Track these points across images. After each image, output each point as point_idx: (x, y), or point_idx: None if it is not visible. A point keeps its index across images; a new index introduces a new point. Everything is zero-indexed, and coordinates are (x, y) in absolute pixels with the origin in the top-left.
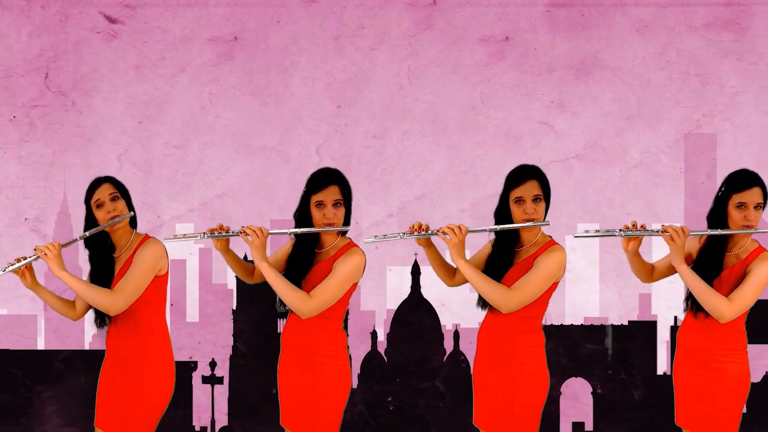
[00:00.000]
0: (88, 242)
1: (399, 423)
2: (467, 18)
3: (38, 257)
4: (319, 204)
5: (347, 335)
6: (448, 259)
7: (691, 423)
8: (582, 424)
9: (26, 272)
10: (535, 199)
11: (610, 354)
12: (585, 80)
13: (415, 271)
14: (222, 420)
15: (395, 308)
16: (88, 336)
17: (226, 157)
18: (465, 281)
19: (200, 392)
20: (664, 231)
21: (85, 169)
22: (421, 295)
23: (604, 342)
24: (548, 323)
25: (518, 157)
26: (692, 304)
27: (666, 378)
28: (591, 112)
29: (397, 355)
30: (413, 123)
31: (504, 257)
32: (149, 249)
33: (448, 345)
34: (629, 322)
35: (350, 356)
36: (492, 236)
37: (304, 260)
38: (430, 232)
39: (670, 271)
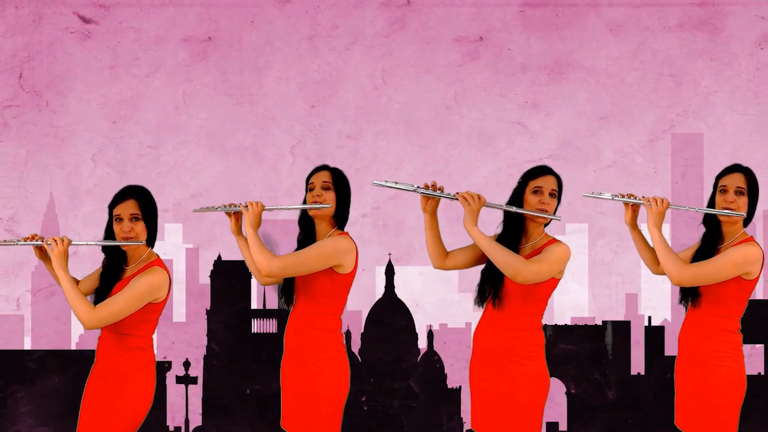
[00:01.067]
0: (106, 249)
1: (373, 423)
2: (441, 18)
3: (42, 245)
4: (311, 188)
5: (344, 335)
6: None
7: (689, 425)
8: (556, 424)
9: (36, 249)
10: (552, 194)
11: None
12: (559, 80)
13: (389, 272)
14: (196, 420)
15: (369, 308)
16: (75, 336)
17: (201, 157)
18: (455, 267)
19: (174, 392)
20: (645, 199)
21: (59, 169)
22: (395, 295)
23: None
24: None
25: (492, 158)
26: (685, 296)
27: (640, 378)
28: (565, 112)
29: (371, 355)
30: (387, 123)
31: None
32: (148, 278)
33: (422, 345)
34: (603, 322)
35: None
36: (499, 230)
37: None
38: (447, 193)
39: (686, 259)
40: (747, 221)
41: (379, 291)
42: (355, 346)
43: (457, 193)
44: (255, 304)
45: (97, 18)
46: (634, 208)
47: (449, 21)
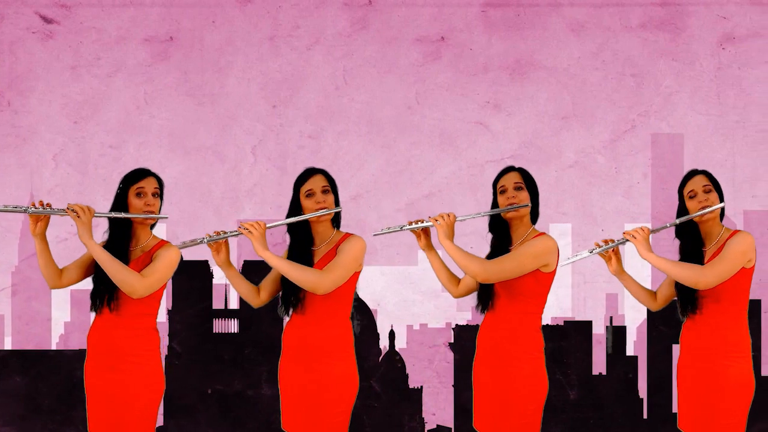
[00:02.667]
0: (114, 225)
1: None
2: (403, 18)
3: (65, 214)
4: (309, 193)
5: (354, 333)
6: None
7: (695, 427)
8: None
9: (42, 219)
10: (517, 188)
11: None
12: (520, 80)
13: None
14: (158, 420)
15: None
16: (55, 336)
17: (162, 157)
18: (469, 292)
19: None
20: (625, 233)
21: (21, 169)
22: (357, 295)
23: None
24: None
25: (454, 157)
26: (684, 307)
27: (600, 378)
28: (526, 112)
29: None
30: (349, 123)
31: (500, 254)
32: (173, 251)
33: (384, 345)
34: (565, 322)
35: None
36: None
37: (303, 258)
38: (425, 222)
39: (671, 289)
40: (722, 216)
41: None
42: None
43: (429, 218)
44: (216, 304)
45: (58, 18)
46: (616, 255)
47: (411, 21)
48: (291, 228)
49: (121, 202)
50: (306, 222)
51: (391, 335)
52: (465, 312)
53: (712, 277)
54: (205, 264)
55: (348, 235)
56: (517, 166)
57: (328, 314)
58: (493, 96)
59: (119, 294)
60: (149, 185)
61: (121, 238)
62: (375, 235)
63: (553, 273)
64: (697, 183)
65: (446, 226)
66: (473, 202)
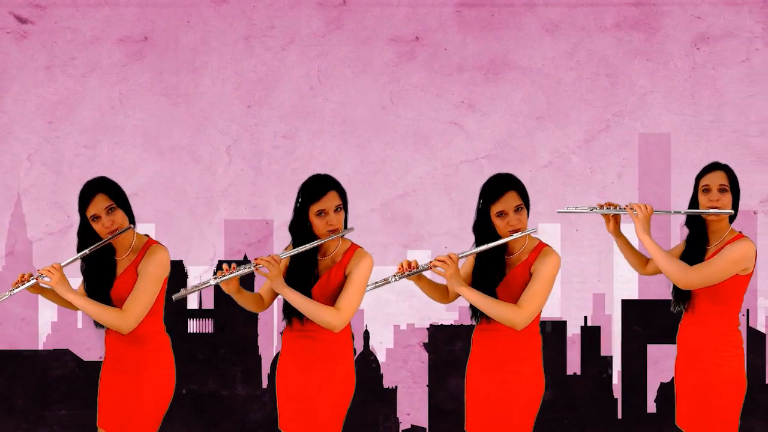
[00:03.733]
0: (91, 253)
1: None
2: (377, 18)
3: (37, 282)
4: (321, 213)
5: (353, 336)
6: (439, 279)
7: (690, 425)
8: None
9: (32, 290)
10: (517, 209)
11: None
12: (495, 80)
13: None
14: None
15: None
16: (42, 336)
17: (136, 157)
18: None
19: None
20: (629, 207)
21: None
22: None
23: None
24: (459, 323)
25: (428, 158)
26: (677, 299)
27: (574, 378)
28: (501, 112)
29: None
30: (323, 123)
31: (495, 268)
32: (156, 259)
33: (359, 345)
34: (541, 321)
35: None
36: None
37: (309, 270)
38: (421, 267)
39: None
40: (732, 218)
41: None
42: None
43: (430, 263)
44: (191, 305)
45: (33, 18)
46: (615, 217)
47: (385, 21)
48: (296, 237)
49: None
50: (312, 236)
51: (366, 335)
52: (440, 312)
53: (695, 280)
54: (179, 264)
55: (354, 248)
56: (504, 174)
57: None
58: (468, 96)
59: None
60: (99, 207)
61: (102, 259)
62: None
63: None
64: (715, 179)
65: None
66: (447, 202)
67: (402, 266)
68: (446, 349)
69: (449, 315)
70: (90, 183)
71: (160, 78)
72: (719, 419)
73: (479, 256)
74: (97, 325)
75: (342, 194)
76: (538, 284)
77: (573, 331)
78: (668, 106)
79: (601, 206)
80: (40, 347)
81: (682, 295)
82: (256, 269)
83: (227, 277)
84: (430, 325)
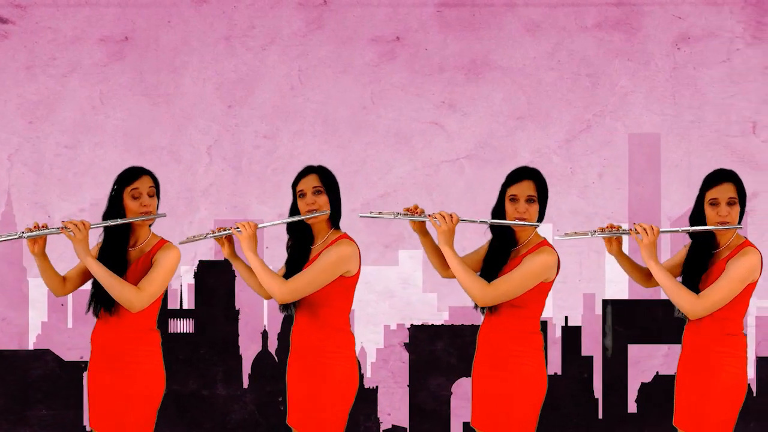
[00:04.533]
0: (109, 229)
1: None
2: (358, 18)
3: (60, 233)
4: (301, 194)
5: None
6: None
7: (687, 425)
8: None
9: (39, 239)
10: (529, 200)
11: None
12: (476, 80)
13: None
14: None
15: None
16: (32, 336)
17: (117, 157)
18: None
19: None
20: (632, 229)
21: None
22: None
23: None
24: (440, 323)
25: (409, 157)
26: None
27: (555, 378)
28: (482, 112)
29: (288, 355)
30: (304, 123)
31: (498, 257)
32: (172, 254)
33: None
34: None
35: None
36: (489, 235)
37: (301, 256)
38: (423, 215)
39: (673, 272)
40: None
41: None
42: (272, 345)
43: (429, 215)
44: (171, 305)
45: (13, 18)
46: (618, 239)
47: (366, 21)
48: (290, 227)
49: (116, 204)
50: (305, 225)
51: None
52: (420, 312)
53: (703, 312)
54: None
55: (341, 237)
56: (530, 167)
57: (326, 315)
58: (449, 96)
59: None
60: (144, 185)
61: (119, 241)
62: (361, 216)
63: (553, 281)
64: (723, 192)
65: (447, 231)
66: (429, 202)
67: (408, 208)
68: (427, 349)
69: (430, 315)
70: (137, 166)
71: (140, 78)
72: (715, 421)
73: (491, 245)
74: (95, 313)
75: (324, 178)
76: (518, 272)
77: (553, 331)
78: (649, 106)
79: (603, 229)
80: (30, 347)
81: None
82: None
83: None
84: (411, 325)
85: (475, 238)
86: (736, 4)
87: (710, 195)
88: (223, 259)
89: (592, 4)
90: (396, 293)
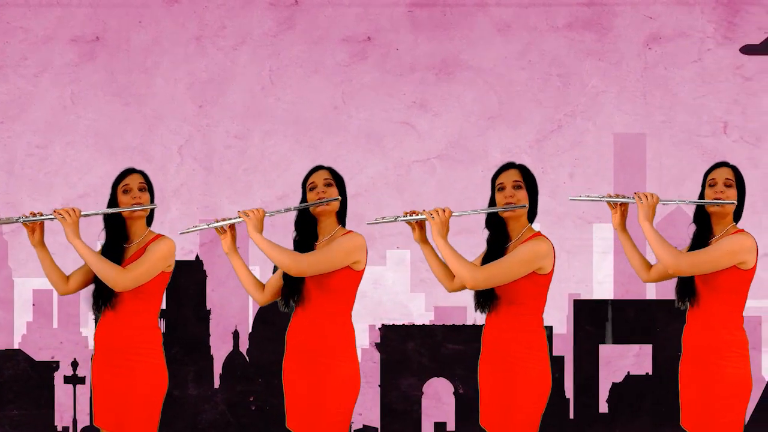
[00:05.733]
0: (107, 225)
1: (260, 423)
2: (329, 18)
3: (54, 218)
4: (312, 187)
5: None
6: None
7: (695, 425)
8: (444, 424)
9: (37, 228)
10: (516, 186)
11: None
12: (447, 80)
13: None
14: (84, 420)
15: (257, 307)
16: (17, 335)
17: (89, 158)
18: (462, 287)
19: (62, 392)
20: (635, 194)
21: None
22: None
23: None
24: (410, 323)
25: (380, 158)
26: (682, 295)
27: None
28: (453, 112)
29: (260, 354)
30: (275, 123)
31: (495, 252)
32: (164, 243)
33: None
34: None
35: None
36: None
37: (305, 251)
38: (420, 215)
39: (666, 272)
40: (737, 217)
41: None
42: (243, 345)
43: (423, 211)
44: None
45: None
46: (623, 210)
47: (337, 21)
48: (297, 222)
49: (112, 203)
50: (312, 218)
51: None
52: (391, 312)
53: (686, 266)
54: None
55: (348, 232)
56: (517, 162)
57: (332, 312)
58: (420, 96)
59: (116, 294)
60: (134, 181)
61: (116, 237)
62: (369, 224)
63: (551, 274)
64: (721, 174)
65: (440, 223)
66: (400, 202)
67: (406, 212)
68: (398, 348)
69: (402, 315)
70: (130, 167)
71: (112, 78)
72: (724, 419)
73: (487, 243)
74: (95, 311)
75: (335, 174)
76: (507, 258)
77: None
78: (620, 106)
79: (611, 196)
80: (15, 347)
81: (686, 292)
82: (240, 214)
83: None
84: (382, 325)
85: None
86: (707, 4)
87: (710, 177)
88: (194, 258)
89: (563, 4)
90: (366, 293)
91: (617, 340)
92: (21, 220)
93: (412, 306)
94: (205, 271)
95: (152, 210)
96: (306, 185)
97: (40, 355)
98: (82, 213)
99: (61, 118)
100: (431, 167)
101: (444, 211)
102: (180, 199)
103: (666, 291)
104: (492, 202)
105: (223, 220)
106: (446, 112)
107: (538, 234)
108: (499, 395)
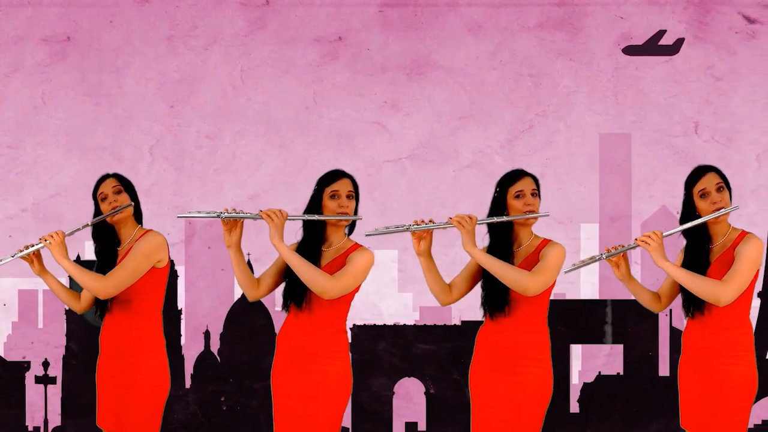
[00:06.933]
0: (96, 235)
1: (232, 423)
2: (300, 18)
3: (43, 245)
4: (334, 195)
5: (348, 336)
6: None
7: (697, 426)
8: (415, 424)
9: (34, 259)
10: (534, 194)
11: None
12: (418, 80)
13: None
14: (55, 420)
15: (228, 308)
16: (3, 336)
17: (59, 157)
18: (460, 297)
19: (33, 392)
20: (637, 240)
21: None
22: None
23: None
24: (381, 323)
25: (351, 158)
26: (688, 306)
27: None
28: (424, 112)
29: (231, 355)
30: (246, 123)
31: (501, 258)
32: (147, 239)
33: None
34: (462, 322)
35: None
36: (486, 242)
37: (311, 255)
38: (437, 223)
39: (674, 289)
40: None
41: (239, 291)
42: (214, 346)
43: (450, 219)
44: None
45: None
46: (625, 260)
47: (308, 21)
48: (306, 225)
49: (315, 203)
50: (323, 222)
51: None
52: (363, 312)
53: (733, 293)
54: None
55: (358, 246)
56: (525, 170)
57: (329, 316)
58: (391, 96)
59: (118, 296)
60: (107, 187)
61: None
62: (368, 235)
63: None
64: (710, 181)
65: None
66: (370, 202)
67: (417, 221)
68: (369, 349)
69: (373, 316)
70: (104, 174)
71: (83, 78)
72: (729, 421)
73: (489, 251)
74: (98, 316)
75: (355, 185)
76: (547, 266)
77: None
78: (591, 106)
79: (609, 251)
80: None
81: (694, 304)
82: (263, 214)
83: (233, 216)
84: (354, 325)
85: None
86: (678, 4)
87: (698, 188)
88: None
89: (534, 5)
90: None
91: (589, 340)
92: (222, 216)
93: (382, 306)
94: (176, 271)
95: (137, 208)
96: (326, 189)
97: (11, 355)
98: (66, 233)
99: (32, 118)
100: (402, 167)
101: (470, 218)
102: (151, 199)
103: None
104: (499, 207)
105: (242, 212)
106: (417, 112)
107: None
108: (503, 400)
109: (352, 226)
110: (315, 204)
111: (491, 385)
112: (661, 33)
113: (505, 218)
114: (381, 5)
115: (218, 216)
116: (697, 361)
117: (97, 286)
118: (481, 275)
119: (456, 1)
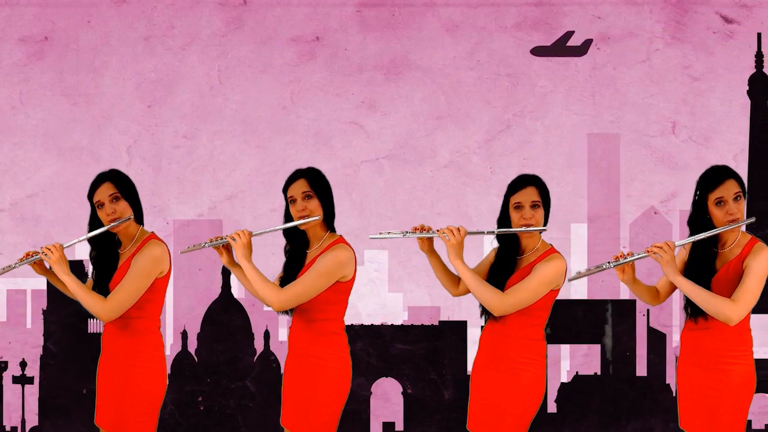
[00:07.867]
0: (93, 239)
1: (209, 423)
2: (278, 18)
3: (41, 258)
4: (292, 200)
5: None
6: (449, 265)
7: (696, 426)
8: (393, 424)
9: (34, 266)
10: (534, 206)
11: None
12: (395, 80)
13: (226, 271)
14: (32, 420)
15: (206, 308)
16: None
17: (37, 157)
18: (466, 292)
19: (10, 392)
20: (649, 251)
21: None
22: (232, 295)
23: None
24: (359, 323)
25: (329, 158)
26: (691, 310)
27: None
28: (401, 112)
29: (208, 355)
30: (223, 123)
31: (506, 265)
32: (148, 252)
33: (259, 345)
34: (440, 322)
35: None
36: (496, 244)
37: (297, 261)
38: (431, 232)
39: (672, 287)
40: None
41: (216, 290)
42: (192, 345)
43: (438, 230)
44: None
45: None
46: (630, 265)
47: (286, 21)
48: (286, 232)
49: (94, 219)
50: (295, 228)
51: (266, 336)
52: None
53: (743, 313)
54: (80, 264)
55: (337, 241)
56: (531, 174)
57: (321, 319)
58: (368, 96)
59: None
60: (103, 194)
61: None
62: (372, 238)
63: (557, 291)
64: (729, 190)
65: (457, 244)
66: (348, 202)
67: (416, 227)
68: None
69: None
70: (101, 173)
71: (60, 78)
72: (727, 421)
73: (497, 254)
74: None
75: (313, 181)
76: (532, 280)
77: (473, 331)
78: (569, 106)
79: (617, 259)
80: None
81: (698, 310)
82: (228, 238)
83: (216, 243)
84: None
85: (471, 248)
86: (656, 4)
87: (714, 195)
88: None
89: (511, 4)
90: None
91: (566, 340)
92: (10, 268)
93: (360, 306)
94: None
95: (137, 208)
96: (286, 196)
97: (31, 355)
98: (64, 245)
99: (10, 118)
100: (379, 167)
101: (459, 230)
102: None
103: (615, 292)
104: (504, 216)
105: (217, 239)
106: (395, 112)
107: (553, 250)
108: (493, 400)
109: (331, 220)
110: (287, 212)
111: (484, 386)
112: (569, 34)
113: (495, 231)
114: (358, 5)
115: (204, 245)
116: (697, 361)
117: (99, 311)
118: (487, 275)
119: (433, 1)
